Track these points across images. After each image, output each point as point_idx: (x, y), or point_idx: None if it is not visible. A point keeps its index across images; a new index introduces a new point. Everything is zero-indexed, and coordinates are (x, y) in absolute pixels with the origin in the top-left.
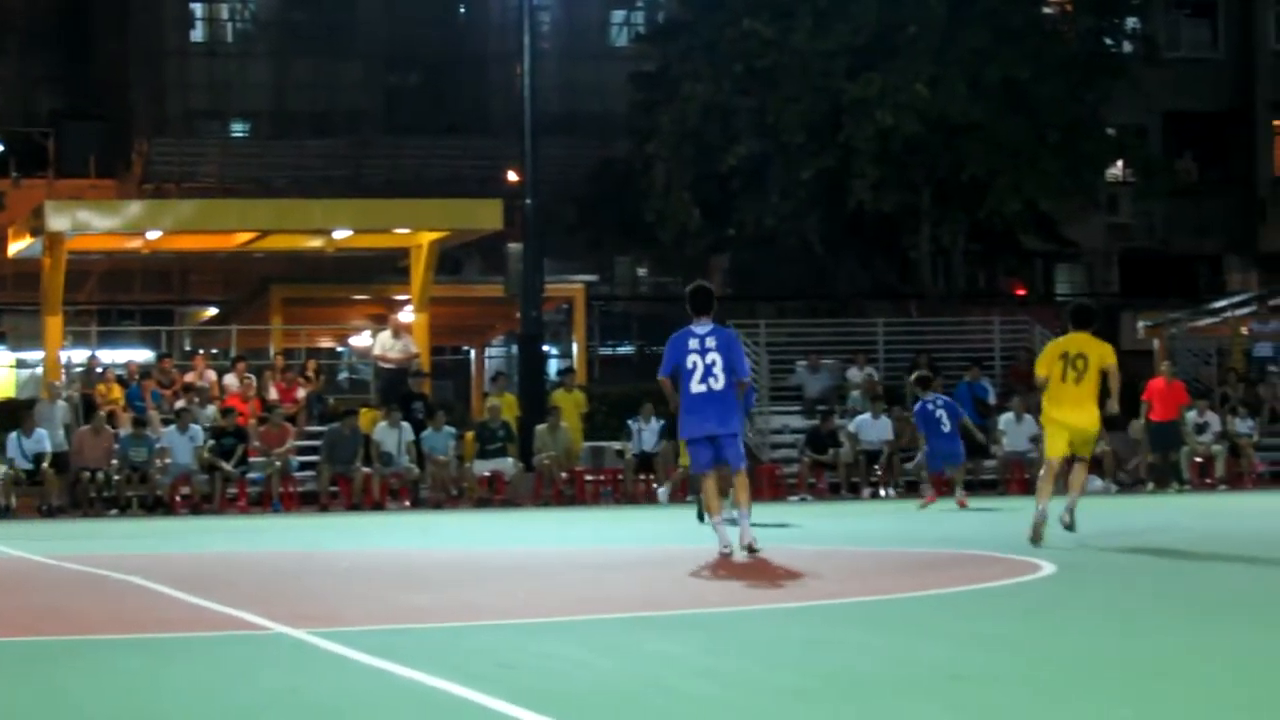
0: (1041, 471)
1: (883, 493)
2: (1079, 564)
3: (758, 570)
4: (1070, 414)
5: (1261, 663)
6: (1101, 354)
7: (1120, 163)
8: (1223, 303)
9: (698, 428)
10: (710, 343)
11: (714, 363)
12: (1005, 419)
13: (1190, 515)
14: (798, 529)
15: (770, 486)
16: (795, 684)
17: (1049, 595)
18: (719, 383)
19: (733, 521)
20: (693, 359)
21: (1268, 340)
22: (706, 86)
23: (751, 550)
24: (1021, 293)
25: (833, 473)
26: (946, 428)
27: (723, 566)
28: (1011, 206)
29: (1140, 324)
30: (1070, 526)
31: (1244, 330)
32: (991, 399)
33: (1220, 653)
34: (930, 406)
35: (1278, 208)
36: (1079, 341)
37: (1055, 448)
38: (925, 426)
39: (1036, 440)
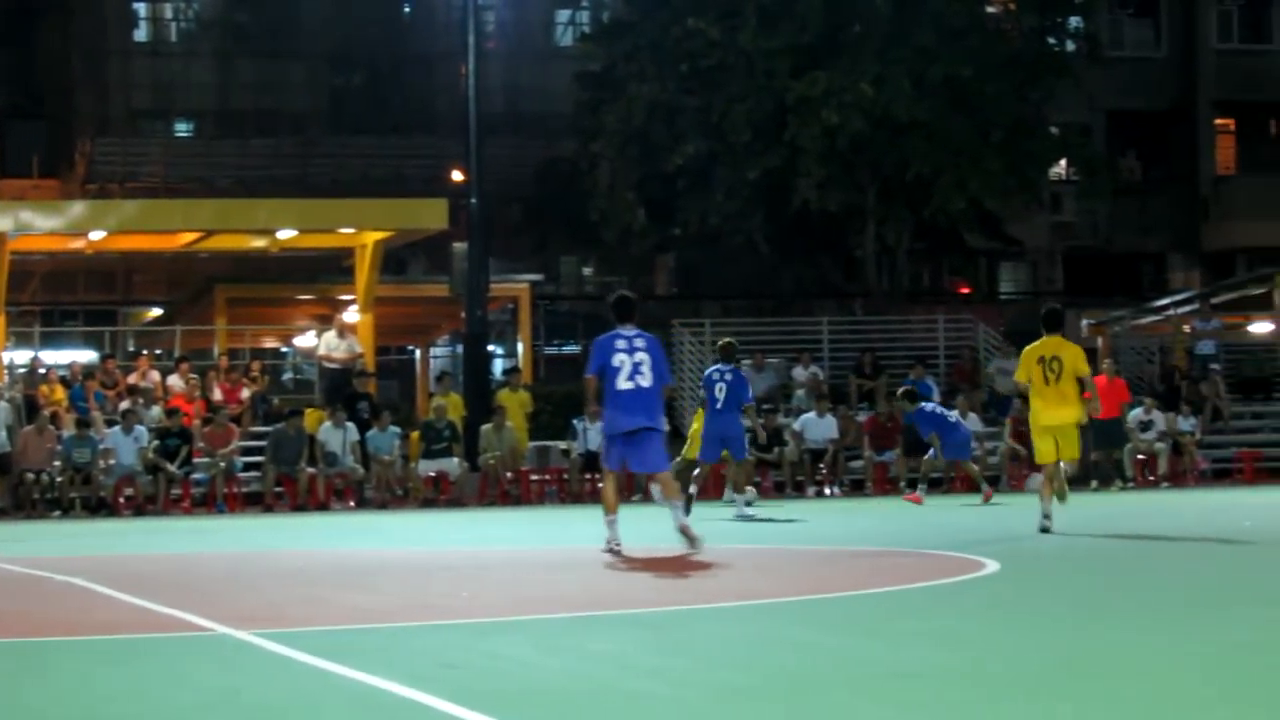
0: (1040, 482)
1: (827, 491)
2: (1023, 561)
3: (703, 569)
4: (1052, 414)
5: (1208, 657)
6: (1074, 359)
7: (1064, 161)
8: (1165, 301)
9: (625, 423)
10: (639, 343)
11: (641, 362)
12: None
13: (1134, 512)
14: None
15: (716, 485)
16: (742, 683)
17: (994, 593)
18: (646, 380)
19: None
20: (620, 358)
21: (1209, 338)
22: (651, 86)
23: (687, 534)
24: (966, 291)
25: (777, 471)
26: (953, 418)
27: (667, 566)
28: (956, 205)
29: (1084, 322)
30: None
31: (1186, 328)
32: (936, 397)
33: (1164, 648)
34: (927, 410)
35: (1220, 206)
36: (1052, 345)
37: (1044, 454)
38: (936, 428)
39: (981, 439)
